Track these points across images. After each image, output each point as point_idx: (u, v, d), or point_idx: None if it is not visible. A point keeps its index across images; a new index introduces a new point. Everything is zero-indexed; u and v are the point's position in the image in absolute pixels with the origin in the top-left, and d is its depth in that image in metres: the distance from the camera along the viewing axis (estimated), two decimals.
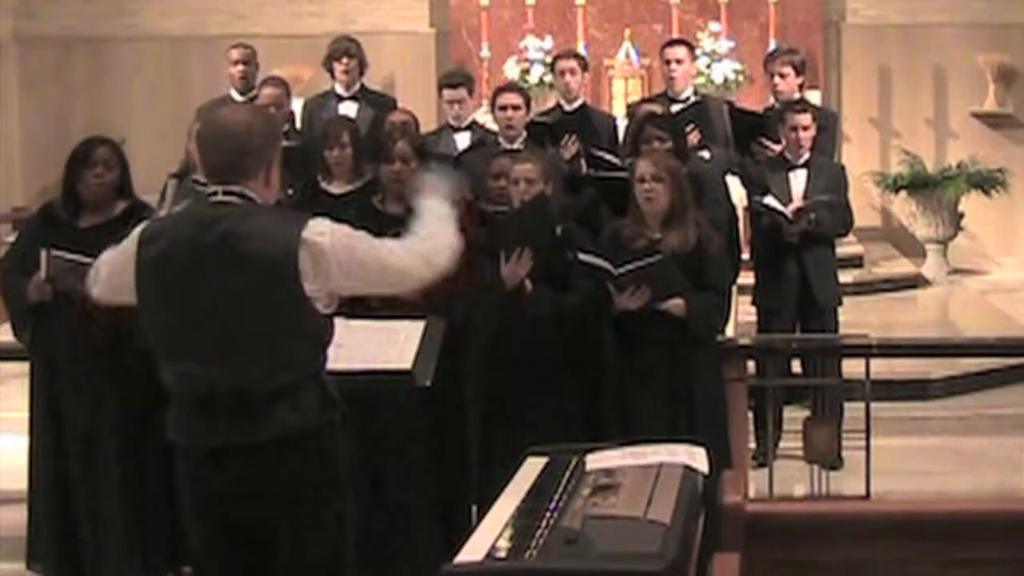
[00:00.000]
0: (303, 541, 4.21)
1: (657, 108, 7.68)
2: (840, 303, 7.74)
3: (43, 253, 5.86)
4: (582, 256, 5.90)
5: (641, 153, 6.58)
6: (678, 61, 8.35)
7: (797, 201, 7.43)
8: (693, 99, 8.25)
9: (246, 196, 4.14)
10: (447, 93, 8.29)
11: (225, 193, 4.14)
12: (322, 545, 4.24)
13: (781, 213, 7.33)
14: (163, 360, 4.23)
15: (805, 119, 7.56)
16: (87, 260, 5.80)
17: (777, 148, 7.79)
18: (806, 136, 7.55)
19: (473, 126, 8.31)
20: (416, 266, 4.22)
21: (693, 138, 7.44)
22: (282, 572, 4.23)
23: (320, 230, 4.12)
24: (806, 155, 7.60)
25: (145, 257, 4.17)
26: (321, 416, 4.19)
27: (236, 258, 4.06)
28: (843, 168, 7.95)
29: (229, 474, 4.15)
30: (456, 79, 8.45)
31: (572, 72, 8.26)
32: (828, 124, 7.97)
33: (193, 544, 4.36)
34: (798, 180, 7.54)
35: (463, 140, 8.19)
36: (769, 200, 7.39)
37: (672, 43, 8.65)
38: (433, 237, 4.27)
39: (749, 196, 7.75)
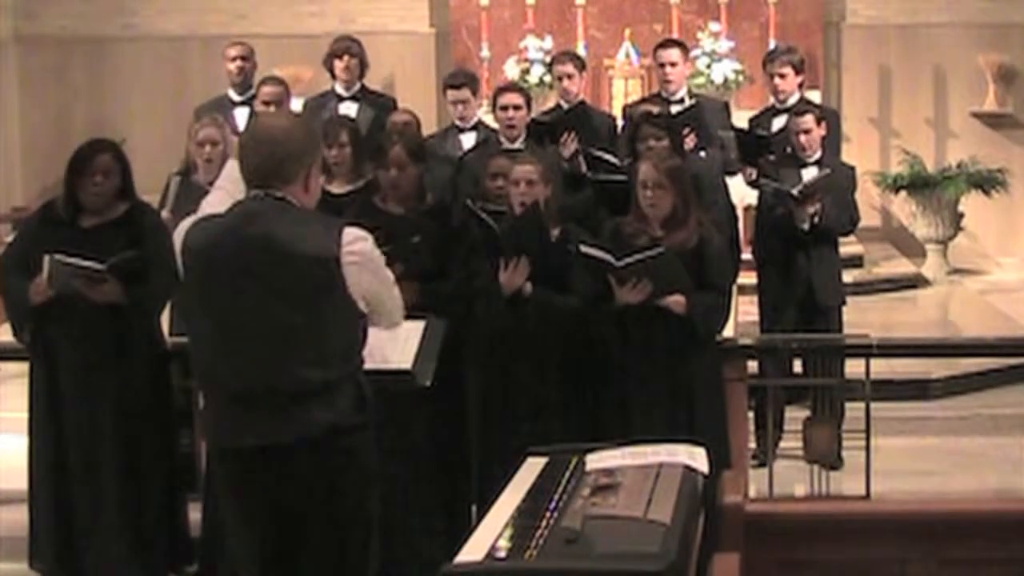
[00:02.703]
0: (334, 539, 4.26)
1: (654, 109, 7.68)
2: (844, 303, 7.75)
3: (46, 258, 5.84)
4: (584, 248, 5.90)
5: (640, 154, 6.58)
6: (672, 64, 8.35)
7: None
8: (688, 101, 8.25)
9: (285, 200, 4.23)
10: (450, 94, 8.29)
11: (265, 196, 4.24)
12: (352, 543, 4.29)
13: (788, 193, 7.35)
14: (201, 358, 4.31)
15: (807, 121, 7.59)
16: (90, 265, 5.83)
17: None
18: (811, 138, 7.59)
19: (479, 126, 8.31)
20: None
21: (689, 142, 7.45)
22: (312, 569, 4.26)
23: (356, 246, 4.25)
24: (817, 153, 7.63)
25: (188, 253, 4.27)
26: (355, 416, 4.27)
27: (278, 256, 4.15)
28: (853, 168, 7.97)
29: (264, 474, 4.21)
30: (459, 80, 8.44)
31: (569, 77, 8.28)
32: (830, 123, 7.98)
33: (230, 543, 4.41)
34: (810, 177, 7.56)
35: (469, 140, 8.18)
36: (775, 184, 7.44)
37: (665, 45, 8.57)
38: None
39: (756, 179, 7.77)
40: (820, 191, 7.39)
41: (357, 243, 4.23)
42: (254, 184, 4.26)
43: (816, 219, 7.40)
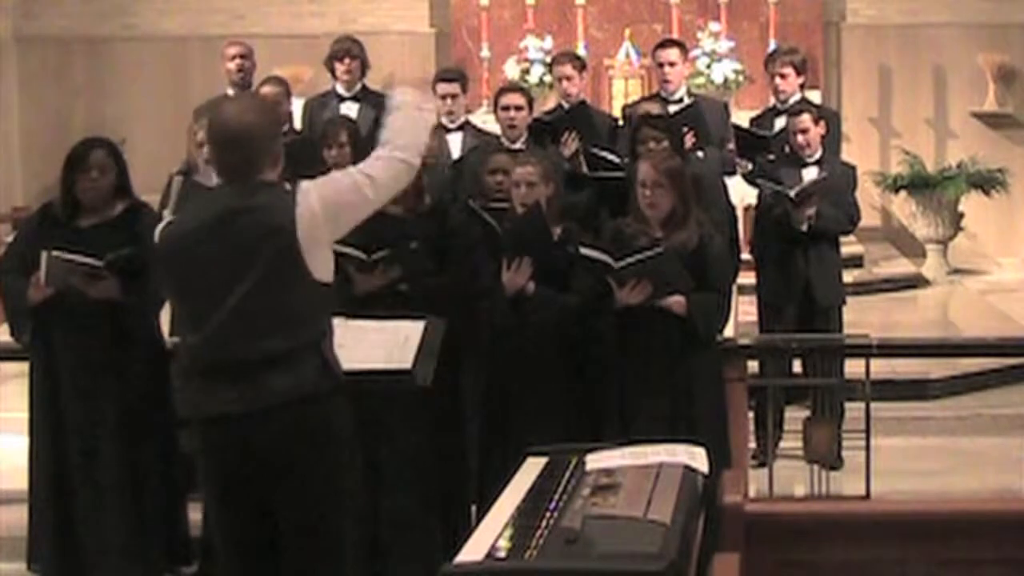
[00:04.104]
0: (304, 506, 4.28)
1: (654, 109, 7.68)
2: (844, 303, 7.75)
3: (44, 254, 5.85)
4: (583, 249, 5.90)
5: (640, 155, 6.58)
6: (671, 64, 8.35)
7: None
8: (687, 101, 8.25)
9: (247, 180, 4.30)
10: (441, 87, 8.28)
11: (229, 181, 4.34)
12: (323, 509, 4.30)
13: (785, 195, 7.37)
14: (179, 334, 4.46)
15: (803, 121, 7.62)
16: (87, 260, 5.83)
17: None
18: (808, 137, 7.61)
19: (466, 127, 8.31)
20: (397, 177, 4.41)
21: (689, 140, 7.46)
22: (286, 536, 4.28)
23: (306, 192, 4.27)
24: (818, 153, 7.66)
25: (160, 238, 4.38)
26: (319, 384, 4.27)
27: (235, 228, 4.22)
28: (854, 168, 7.98)
29: (231, 441, 4.24)
30: (451, 74, 8.45)
31: (569, 78, 8.28)
32: (830, 123, 7.99)
33: (208, 515, 4.44)
34: (810, 176, 7.57)
35: (455, 140, 8.18)
36: (773, 185, 7.46)
37: (663, 45, 8.56)
38: (403, 137, 4.42)
39: (752, 172, 7.78)
40: (817, 194, 7.40)
41: (306, 195, 4.26)
42: (226, 178, 4.35)
43: (813, 221, 7.42)
